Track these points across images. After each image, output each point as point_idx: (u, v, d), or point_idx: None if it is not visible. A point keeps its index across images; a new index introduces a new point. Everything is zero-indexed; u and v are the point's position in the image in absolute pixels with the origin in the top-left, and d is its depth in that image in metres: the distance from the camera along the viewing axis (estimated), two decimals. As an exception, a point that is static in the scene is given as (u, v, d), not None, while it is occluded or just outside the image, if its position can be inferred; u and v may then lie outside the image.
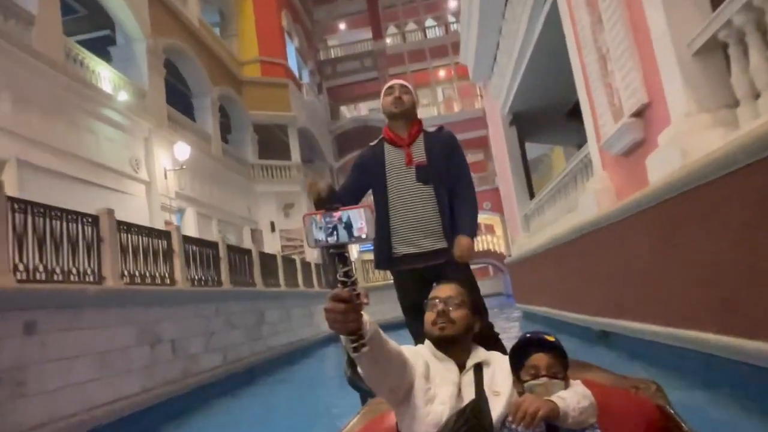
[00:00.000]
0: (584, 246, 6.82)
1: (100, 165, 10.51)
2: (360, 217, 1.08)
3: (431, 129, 2.60)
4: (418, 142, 2.53)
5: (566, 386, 1.39)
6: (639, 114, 4.84)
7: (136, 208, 11.27)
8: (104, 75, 11.16)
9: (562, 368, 1.40)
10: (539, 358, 1.39)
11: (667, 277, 4.59)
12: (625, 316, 5.79)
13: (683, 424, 1.43)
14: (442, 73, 27.97)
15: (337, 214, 1.08)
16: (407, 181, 2.49)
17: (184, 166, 12.82)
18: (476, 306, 1.80)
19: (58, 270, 5.09)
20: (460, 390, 1.48)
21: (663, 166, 4.21)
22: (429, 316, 1.58)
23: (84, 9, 12.99)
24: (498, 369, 1.53)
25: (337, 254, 1.11)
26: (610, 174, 5.89)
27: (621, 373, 1.70)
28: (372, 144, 2.66)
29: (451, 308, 1.56)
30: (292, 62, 21.48)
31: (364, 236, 1.08)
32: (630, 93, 4.86)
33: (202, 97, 15.96)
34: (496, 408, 1.42)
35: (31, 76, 8.91)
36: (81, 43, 11.31)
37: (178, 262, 7.67)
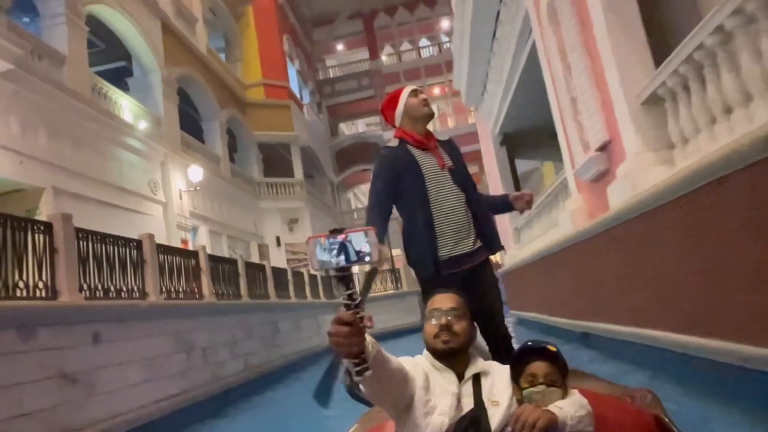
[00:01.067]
0: (565, 258, 7.69)
1: (123, 189, 11.36)
2: (364, 240, 1.08)
3: (442, 138, 2.61)
4: (439, 148, 2.50)
5: (565, 395, 1.40)
6: (603, 148, 5.73)
7: (154, 228, 12.08)
8: (125, 105, 12.04)
9: (560, 377, 1.41)
10: (538, 367, 1.40)
11: (629, 284, 5.45)
12: (600, 319, 6.64)
13: (676, 430, 1.44)
14: (436, 90, 28.96)
15: (341, 237, 1.08)
16: (446, 183, 2.42)
17: (197, 188, 13.66)
18: (499, 309, 2.25)
19: (112, 288, 5.93)
20: (459, 400, 1.49)
21: (620, 195, 5.10)
22: (431, 329, 1.57)
23: (102, 43, 13.85)
24: (497, 379, 1.53)
25: (340, 277, 1.10)
26: (584, 196, 6.77)
27: (609, 371, 2.23)
28: (392, 146, 2.51)
29: (453, 320, 1.56)
30: (294, 84, 22.43)
31: (367, 259, 1.08)
32: (595, 131, 5.76)
33: (211, 121, 16.86)
34: (495, 417, 1.43)
35: (62, 110, 9.77)
36: (99, 74, 12.20)
37: (205, 279, 8.50)
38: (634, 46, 5.00)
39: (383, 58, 29.14)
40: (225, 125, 17.40)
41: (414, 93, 2.51)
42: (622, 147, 5.21)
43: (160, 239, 11.06)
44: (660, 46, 5.04)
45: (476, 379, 1.53)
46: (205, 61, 16.56)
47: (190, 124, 15.95)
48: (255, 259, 16.42)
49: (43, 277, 5.06)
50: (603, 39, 5.22)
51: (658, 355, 5.02)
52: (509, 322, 14.65)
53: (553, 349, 1.43)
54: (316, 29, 28.53)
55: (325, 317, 14.76)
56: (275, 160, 20.51)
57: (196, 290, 8.13)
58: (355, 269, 1.13)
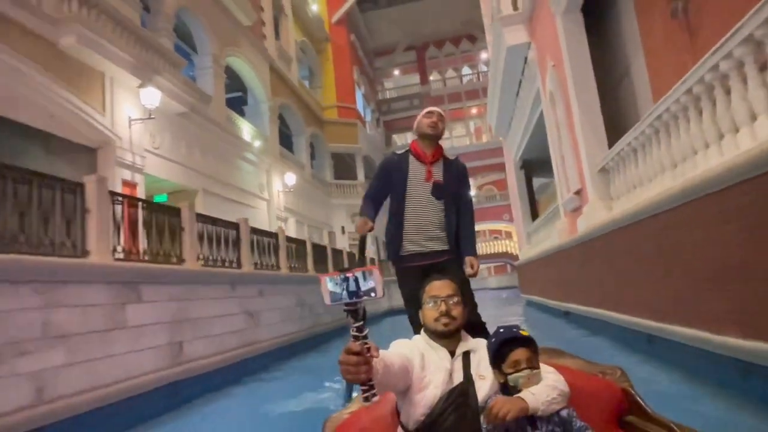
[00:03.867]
0: (553, 260, 9.68)
1: (243, 189, 13.90)
2: (371, 277, 1.08)
3: (451, 157, 2.65)
4: (438, 163, 2.56)
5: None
6: (577, 192, 7.70)
7: (262, 218, 14.64)
8: (245, 129, 14.56)
9: (536, 358, 1.40)
10: (520, 353, 1.38)
11: (586, 281, 7.44)
12: (574, 302, 8.61)
13: (645, 405, 1.43)
14: (474, 110, 30.68)
15: (350, 274, 1.08)
16: (424, 193, 2.51)
17: (291, 189, 16.14)
18: (469, 300, 2.17)
19: (267, 263, 8.40)
20: (451, 375, 1.48)
21: (583, 224, 7.11)
22: (431, 313, 1.56)
23: (227, 78, 16.44)
24: (484, 356, 1.51)
25: (350, 311, 1.10)
26: (567, 220, 8.74)
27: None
28: (399, 153, 2.65)
29: (452, 306, 1.55)
30: (360, 105, 24.69)
31: (374, 294, 1.08)
32: (573, 181, 7.74)
33: (299, 136, 19.33)
34: (482, 390, 1.43)
35: (208, 135, 12.29)
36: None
37: (282, 254, 9.70)
38: (595, 132, 6.94)
39: (431, 83, 31.04)
40: (309, 140, 19.85)
41: (429, 114, 2.60)
42: (587, 194, 7.18)
43: (265, 226, 13.54)
44: (614, 131, 6.97)
45: (466, 355, 1.53)
46: (297, 91, 18.98)
47: (284, 139, 18.43)
48: (326, 243, 18.85)
49: (233, 256, 7.51)
50: (577, 124, 7.19)
51: (604, 325, 7.00)
52: (521, 303, 16.73)
53: (526, 333, 1.41)
54: (377, 58, 30.74)
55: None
56: (342, 166, 22.87)
57: (275, 264, 10.19)
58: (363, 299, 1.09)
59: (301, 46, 20.56)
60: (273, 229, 14.38)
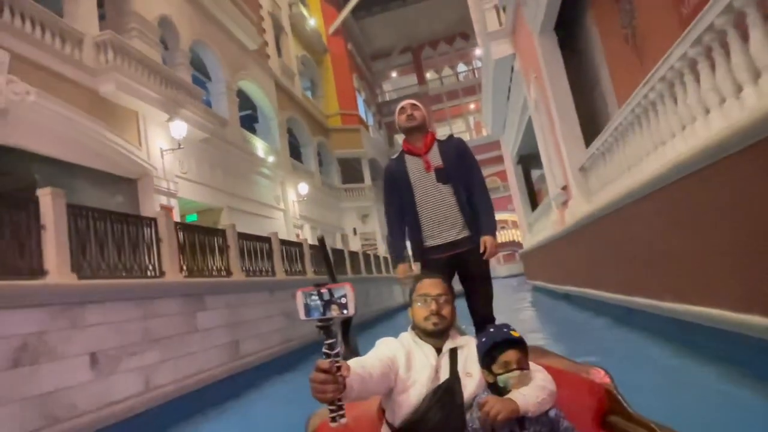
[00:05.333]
0: (552, 248, 10.76)
1: (261, 203, 15.09)
2: (344, 294, 1.07)
3: (443, 138, 2.63)
4: (433, 150, 2.54)
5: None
6: (564, 188, 8.79)
7: (280, 227, 15.82)
8: (258, 146, 15.74)
9: (525, 357, 1.40)
10: (511, 355, 1.38)
11: (576, 265, 8.53)
12: (571, 284, 9.67)
13: (625, 404, 1.45)
14: (472, 106, 31.68)
15: (324, 290, 1.08)
16: (429, 183, 2.50)
17: (304, 198, 17.33)
18: (488, 293, 2.36)
19: (261, 269, 9.39)
20: (437, 372, 1.48)
21: (569, 217, 8.20)
22: (422, 312, 1.56)
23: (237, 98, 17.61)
24: (471, 353, 1.51)
25: (322, 327, 1.08)
26: (558, 212, 9.82)
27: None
28: (394, 157, 2.67)
29: (442, 305, 1.55)
30: (361, 110, 25.82)
31: (346, 312, 1.07)
32: (559, 178, 8.83)
33: (307, 146, 20.51)
34: (468, 388, 1.44)
35: (227, 156, 13.47)
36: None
37: (307, 260, 10.89)
38: (573, 136, 8.02)
39: (429, 83, 32.08)
40: (316, 148, 21.03)
41: (401, 110, 2.59)
42: (571, 191, 8.26)
43: (282, 235, 14.69)
44: (592, 132, 8.05)
45: (453, 352, 1.53)
46: (301, 103, 20.14)
47: (293, 150, 19.59)
48: (339, 245, 20.03)
49: (268, 266, 8.69)
50: (558, 129, 8.27)
51: (597, 305, 8.09)
52: (528, 289, 17.80)
53: (516, 334, 1.41)
54: (375, 62, 31.86)
55: (392, 287, 18.18)
56: (350, 171, 24.01)
57: (301, 269, 11.42)
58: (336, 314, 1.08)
59: (302, 60, 21.70)
60: (290, 237, 15.67)
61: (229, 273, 7.24)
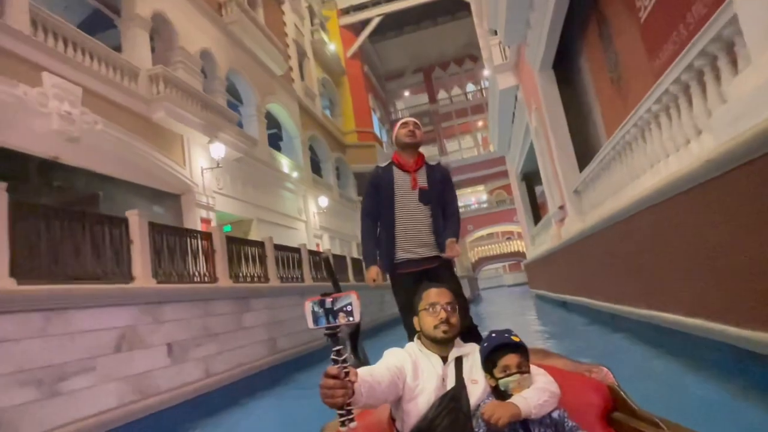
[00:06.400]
0: (550, 260, 11.47)
1: (286, 215, 15.98)
2: (350, 301, 1.09)
3: (432, 163, 2.67)
4: (421, 170, 2.58)
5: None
6: (561, 207, 9.53)
7: (302, 237, 16.68)
8: (284, 162, 16.68)
9: (526, 361, 1.40)
10: (510, 359, 1.38)
11: (572, 276, 9.24)
12: (567, 293, 10.39)
13: (631, 401, 1.44)
14: (480, 123, 32.51)
15: (330, 299, 1.09)
16: (411, 200, 2.53)
17: (324, 210, 18.21)
18: (463, 305, 1.99)
19: (292, 276, 10.24)
20: (444, 380, 1.48)
21: (565, 233, 8.93)
22: (431, 321, 1.55)
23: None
24: (476, 360, 1.50)
25: (330, 335, 1.09)
26: (557, 228, 10.55)
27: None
28: (382, 166, 2.66)
29: (451, 313, 1.55)
30: (376, 127, 26.75)
31: (351, 319, 1.09)
32: (557, 198, 9.58)
33: (326, 162, 21.44)
34: (475, 394, 1.43)
35: (257, 172, 14.38)
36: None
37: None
38: (569, 162, 8.79)
39: (439, 101, 32.99)
40: (334, 164, 21.95)
41: (404, 125, 2.60)
42: (567, 209, 9.01)
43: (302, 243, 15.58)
44: (587, 156, 8.81)
45: (458, 360, 1.52)
46: (322, 122, 21.10)
47: (313, 164, 20.52)
48: (355, 254, 20.88)
49: (297, 273, 9.52)
50: (555, 155, 9.04)
51: (589, 311, 8.80)
52: (531, 297, 18.45)
53: (517, 339, 1.41)
54: (389, 82, 32.88)
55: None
56: (365, 184, 24.82)
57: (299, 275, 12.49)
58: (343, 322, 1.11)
59: (322, 82, 22.71)
60: (311, 246, 16.53)
61: (266, 279, 8.09)
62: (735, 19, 3.00)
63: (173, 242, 5.89)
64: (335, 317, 1.09)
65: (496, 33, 10.89)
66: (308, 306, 1.11)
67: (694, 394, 3.60)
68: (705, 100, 3.77)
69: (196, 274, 6.27)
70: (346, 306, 1.09)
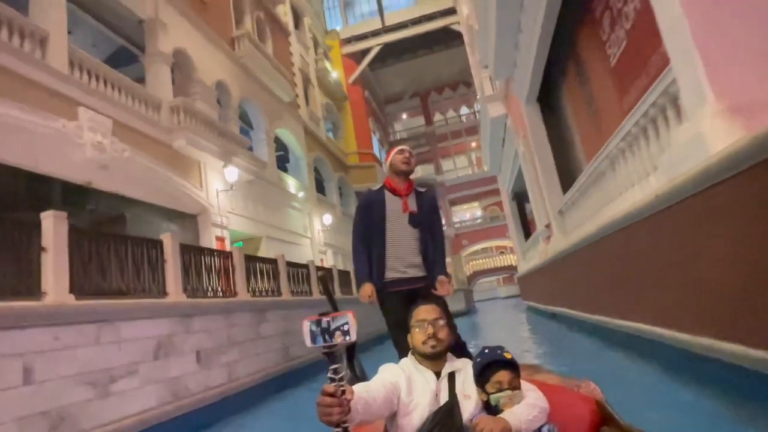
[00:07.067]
0: (539, 274, 11.97)
1: (292, 232, 16.49)
2: (347, 322, 1.08)
3: (421, 189, 2.74)
4: (412, 196, 2.65)
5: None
6: (547, 226, 10.08)
7: (307, 253, 17.18)
8: (291, 183, 17.25)
9: (517, 377, 1.41)
10: (502, 375, 1.38)
11: (557, 289, 9.74)
12: (555, 305, 10.87)
13: (617, 416, 1.44)
14: (474, 143, 33.26)
15: (328, 318, 1.09)
16: (402, 223, 2.59)
17: (328, 228, 18.74)
18: (449, 323, 1.96)
19: (302, 290, 10.72)
20: (437, 395, 1.47)
21: (551, 250, 9.47)
22: (419, 336, 1.56)
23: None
24: (468, 375, 1.51)
25: (327, 353, 1.09)
26: (544, 245, 11.08)
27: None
28: (374, 189, 2.73)
29: (438, 329, 1.55)
30: (376, 149, 27.44)
31: (348, 338, 1.08)
32: (543, 216, 10.12)
33: (330, 182, 22.04)
34: (467, 409, 1.43)
35: (266, 192, 14.93)
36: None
37: (336, 282, 13.06)
38: (553, 185, 9.35)
39: (435, 124, 33.81)
40: (337, 183, 22.55)
41: (401, 151, 2.66)
42: (552, 228, 9.55)
43: (308, 260, 16.08)
44: (569, 176, 9.37)
45: (451, 376, 1.52)
46: (325, 144, 21.76)
47: (317, 184, 21.10)
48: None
49: (306, 287, 10.01)
50: (541, 179, 9.60)
51: (574, 322, 9.28)
52: (523, 307, 18.90)
53: (509, 356, 1.41)
54: (388, 105, 33.75)
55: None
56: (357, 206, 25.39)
57: (331, 290, 12.96)
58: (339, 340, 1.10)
59: (325, 107, 23.44)
60: (316, 262, 17.01)
61: (279, 293, 8.58)
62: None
63: (199, 261, 6.41)
64: (332, 336, 1.09)
65: (487, 67, 11.57)
66: (306, 325, 1.11)
67: (661, 388, 4.07)
68: (659, 141, 4.34)
69: (219, 289, 6.78)
70: (343, 325, 1.09)
